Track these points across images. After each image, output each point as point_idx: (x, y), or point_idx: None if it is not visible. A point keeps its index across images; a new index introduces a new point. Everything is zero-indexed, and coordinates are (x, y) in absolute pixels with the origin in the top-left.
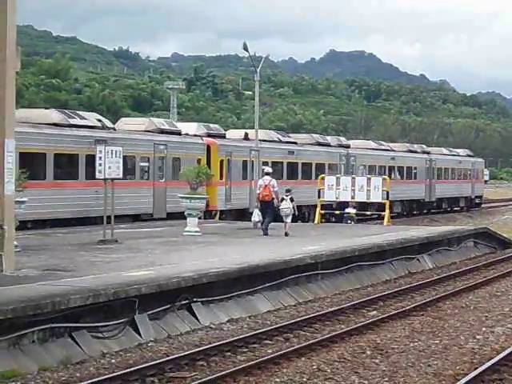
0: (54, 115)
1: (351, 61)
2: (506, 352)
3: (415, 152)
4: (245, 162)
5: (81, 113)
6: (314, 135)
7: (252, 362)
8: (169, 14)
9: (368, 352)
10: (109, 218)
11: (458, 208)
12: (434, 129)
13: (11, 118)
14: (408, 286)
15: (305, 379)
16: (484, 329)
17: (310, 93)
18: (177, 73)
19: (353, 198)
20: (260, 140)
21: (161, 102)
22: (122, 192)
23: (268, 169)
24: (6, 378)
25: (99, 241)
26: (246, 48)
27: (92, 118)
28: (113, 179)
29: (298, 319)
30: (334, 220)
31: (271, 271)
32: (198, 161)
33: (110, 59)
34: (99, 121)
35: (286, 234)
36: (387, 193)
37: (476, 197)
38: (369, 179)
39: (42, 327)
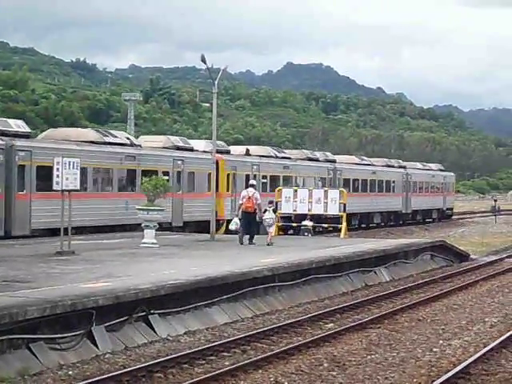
0: (90, 134)
1: (309, 73)
2: (463, 365)
3: (393, 166)
4: (247, 176)
5: (113, 132)
6: (304, 151)
7: (209, 374)
8: (126, 26)
9: (325, 364)
10: (66, 229)
11: (431, 219)
12: (391, 142)
13: None
14: (365, 298)
15: None
16: (441, 341)
17: (267, 105)
18: (134, 84)
19: (310, 210)
20: (259, 155)
21: (118, 113)
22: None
23: (253, 181)
24: None
25: (56, 252)
26: (203, 60)
27: (122, 136)
28: (69, 190)
29: (255, 331)
30: (291, 232)
31: (229, 283)
32: (209, 175)
33: (67, 70)
34: (128, 139)
35: (269, 244)
36: (344, 205)
37: (447, 209)
38: (326, 191)
39: (0, 338)
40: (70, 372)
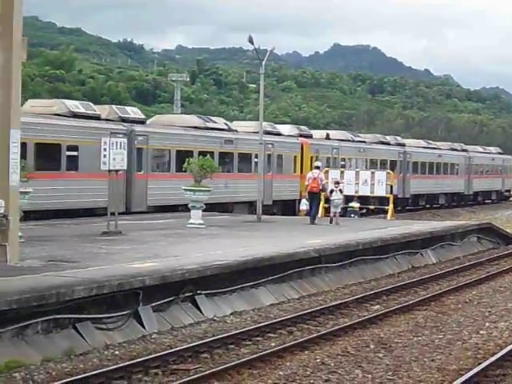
0: (194, 120)
1: (355, 55)
2: (510, 347)
3: (456, 150)
4: (328, 158)
5: (212, 118)
6: (376, 135)
7: (255, 355)
8: (173, 6)
9: (371, 346)
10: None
11: (490, 200)
12: (438, 123)
13: (17, 108)
14: (411, 280)
15: (308, 372)
16: (487, 324)
17: (313, 86)
18: (180, 65)
19: (356, 192)
20: (338, 139)
21: (165, 93)
22: (240, 182)
23: (317, 163)
24: (10, 368)
25: (103, 232)
26: (251, 41)
27: (221, 121)
28: (117, 170)
29: (302, 313)
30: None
31: (275, 264)
32: (295, 158)
33: (114, 51)
34: (226, 124)
35: (334, 222)
36: (391, 187)
37: (506, 190)
38: (373, 173)
39: (46, 318)
40: (117, 352)
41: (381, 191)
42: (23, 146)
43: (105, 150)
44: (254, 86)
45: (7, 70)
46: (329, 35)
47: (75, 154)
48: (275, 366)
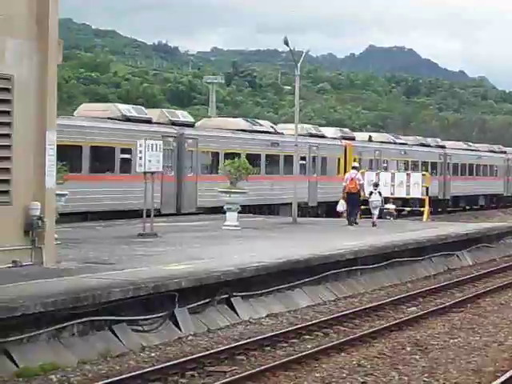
0: (241, 123)
1: (390, 56)
2: None
3: (495, 152)
4: (371, 160)
5: (259, 121)
6: (417, 137)
7: (292, 357)
8: (208, 8)
9: (408, 348)
10: (148, 211)
11: None
12: (473, 125)
13: (53, 110)
14: (447, 282)
15: (344, 375)
16: None
17: (348, 88)
18: (216, 67)
19: (392, 193)
20: (380, 141)
21: (200, 95)
22: (286, 184)
23: (355, 164)
24: (46, 370)
25: (139, 234)
26: (286, 43)
27: (267, 124)
28: (152, 172)
29: (338, 314)
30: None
31: (311, 266)
32: (338, 160)
33: (149, 53)
34: (272, 127)
35: (374, 225)
36: (427, 188)
37: None
38: (408, 175)
39: (82, 320)
40: (153, 354)
41: (416, 193)
42: (79, 149)
43: (140, 152)
44: (289, 87)
45: (43, 73)
46: (364, 36)
47: (128, 156)
48: (311, 368)
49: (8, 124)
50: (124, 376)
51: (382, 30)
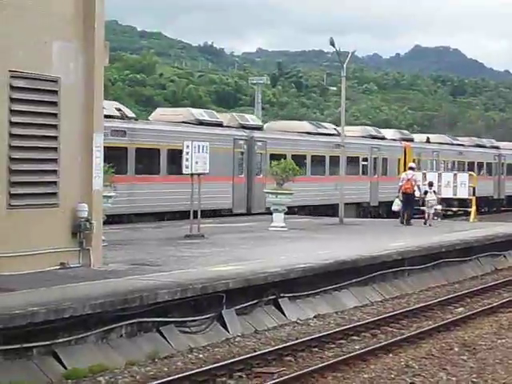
0: (306, 125)
1: (436, 56)
2: None
3: None
4: (429, 161)
5: (322, 123)
6: (473, 138)
7: (340, 358)
8: (254, 9)
9: (456, 349)
10: (195, 212)
11: None
12: None
13: (99, 112)
14: (495, 282)
15: (393, 375)
16: None
17: (394, 88)
18: (261, 68)
19: (439, 194)
20: (438, 142)
21: (245, 96)
22: (349, 185)
23: (412, 164)
24: (94, 372)
25: (186, 235)
26: (332, 43)
27: (330, 127)
28: (199, 174)
29: (385, 315)
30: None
31: (358, 267)
32: (398, 160)
33: (194, 54)
34: (335, 129)
35: (428, 224)
36: (474, 189)
37: None
38: (455, 175)
39: (130, 322)
40: (201, 355)
41: (463, 193)
42: (157, 152)
43: (187, 153)
44: (335, 88)
45: (90, 75)
46: (409, 37)
47: None
48: (359, 369)
49: (55, 126)
50: (172, 377)
51: (427, 30)
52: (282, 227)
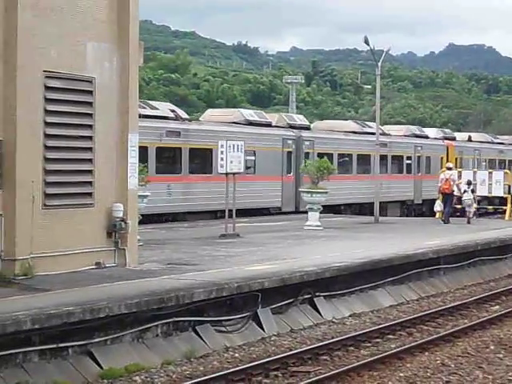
0: (352, 125)
1: (470, 54)
2: None
3: None
4: (471, 160)
5: (367, 123)
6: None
7: (376, 357)
8: (288, 8)
9: (491, 347)
10: (230, 211)
11: None
12: None
13: (134, 113)
14: None
15: (428, 374)
16: None
17: (428, 86)
18: (295, 67)
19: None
20: (479, 141)
21: (280, 96)
22: (394, 183)
23: (449, 164)
24: (130, 371)
25: (221, 235)
26: (367, 42)
27: (375, 126)
28: (234, 173)
29: (421, 314)
30: (457, 214)
31: (393, 266)
32: (441, 159)
33: (228, 54)
34: (380, 128)
35: (469, 222)
36: (509, 187)
37: None
38: (490, 173)
39: (166, 321)
40: (236, 354)
41: (498, 191)
42: (209, 152)
43: (222, 153)
44: (369, 86)
45: (124, 75)
46: (443, 35)
47: (252, 158)
48: (395, 367)
49: (90, 126)
50: (208, 377)
51: (461, 28)
52: (317, 226)
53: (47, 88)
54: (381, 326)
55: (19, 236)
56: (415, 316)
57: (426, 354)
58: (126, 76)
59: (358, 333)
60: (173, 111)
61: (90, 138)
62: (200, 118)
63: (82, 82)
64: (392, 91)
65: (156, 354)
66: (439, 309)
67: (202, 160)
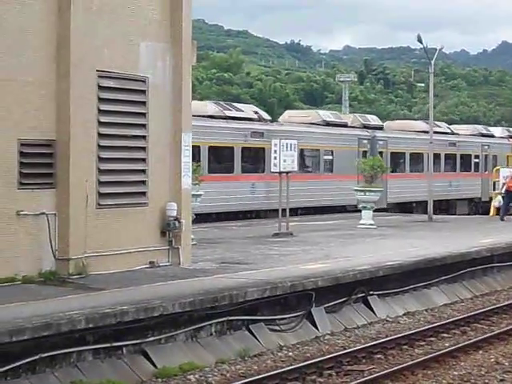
0: (423, 125)
1: None
2: None
3: None
4: None
5: (437, 122)
6: None
7: (430, 356)
8: (340, 7)
9: None
10: (284, 210)
11: None
12: None
13: (187, 112)
14: None
15: (483, 372)
16: None
17: (482, 84)
18: (348, 65)
19: None
20: None
21: (332, 94)
22: (462, 181)
23: None
24: (185, 370)
25: (274, 234)
26: (420, 40)
27: (444, 126)
28: (287, 172)
29: (475, 312)
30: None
31: (447, 264)
32: (507, 157)
33: (281, 52)
34: (448, 128)
35: None
36: None
37: None
38: None
39: (220, 320)
40: (290, 353)
41: None
42: None
43: (275, 152)
44: (422, 85)
45: (177, 74)
46: (496, 33)
47: (330, 157)
48: (449, 366)
49: (143, 125)
50: (262, 376)
51: None
52: (371, 225)
53: (100, 87)
54: (435, 325)
55: (73, 235)
56: (469, 314)
57: (480, 352)
58: (179, 75)
59: (412, 331)
60: (256, 113)
61: (144, 137)
62: (279, 119)
63: (136, 82)
64: (445, 89)
65: (210, 353)
66: (493, 307)
67: None
